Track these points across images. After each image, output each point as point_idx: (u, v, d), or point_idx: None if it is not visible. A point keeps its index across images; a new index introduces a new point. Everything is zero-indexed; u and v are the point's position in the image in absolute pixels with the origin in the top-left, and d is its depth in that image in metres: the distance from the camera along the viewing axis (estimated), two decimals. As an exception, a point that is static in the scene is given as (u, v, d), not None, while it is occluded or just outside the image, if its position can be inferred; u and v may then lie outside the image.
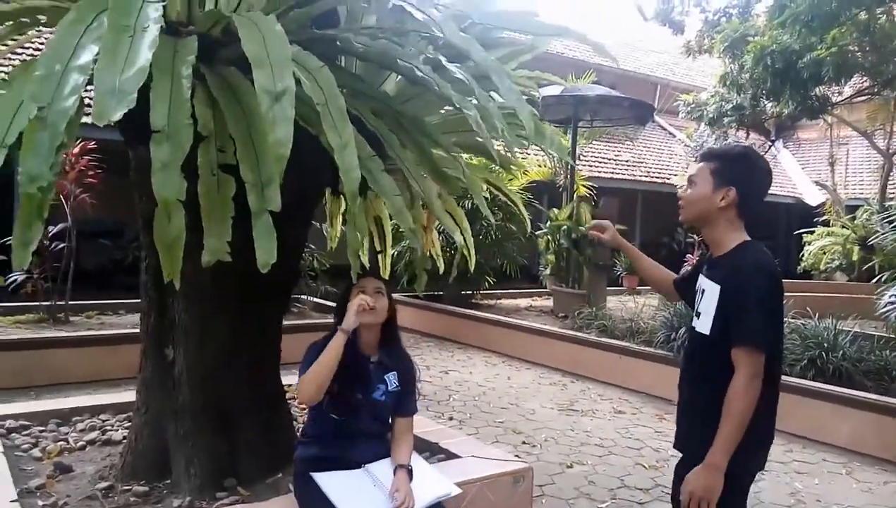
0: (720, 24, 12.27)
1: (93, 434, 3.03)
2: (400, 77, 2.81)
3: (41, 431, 3.03)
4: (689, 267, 2.32)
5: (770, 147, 14.83)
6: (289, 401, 3.17)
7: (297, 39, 2.28)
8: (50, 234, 6.25)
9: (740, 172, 1.95)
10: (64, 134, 1.52)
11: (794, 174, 18.15)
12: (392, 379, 2.39)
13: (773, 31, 10.05)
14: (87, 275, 7.41)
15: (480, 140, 3.14)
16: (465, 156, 4.67)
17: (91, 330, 5.93)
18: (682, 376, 2.08)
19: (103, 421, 3.21)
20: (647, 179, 14.80)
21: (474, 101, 2.35)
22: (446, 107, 3.02)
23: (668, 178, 14.84)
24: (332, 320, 2.42)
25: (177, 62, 1.80)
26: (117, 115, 1.40)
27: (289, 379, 3.03)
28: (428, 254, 3.68)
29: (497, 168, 5.14)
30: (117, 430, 3.10)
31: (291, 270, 2.96)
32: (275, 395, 2.96)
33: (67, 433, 3.05)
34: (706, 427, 1.84)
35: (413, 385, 2.47)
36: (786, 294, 1.98)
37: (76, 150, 6.36)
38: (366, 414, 2.33)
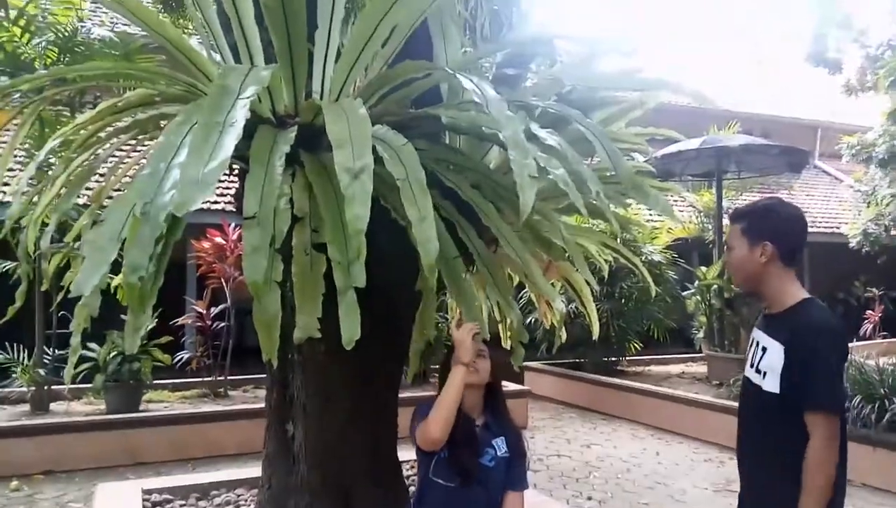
0: (883, 58, 11.26)
1: (227, 509, 3.16)
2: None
3: (182, 505, 3.21)
4: None
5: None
6: (407, 476, 3.12)
7: (398, 119, 2.36)
8: (212, 315, 6.85)
9: (770, 225, 1.96)
10: (163, 226, 1.64)
11: None
12: (500, 444, 2.27)
13: (946, 59, 9.06)
14: (247, 352, 7.96)
15: (594, 202, 3.05)
16: (592, 221, 4.55)
17: (245, 403, 6.31)
18: (746, 434, 2.07)
19: (238, 496, 3.34)
20: (813, 229, 13.53)
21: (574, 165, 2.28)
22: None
23: (838, 227, 13.50)
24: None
25: (273, 152, 1.91)
26: (195, 206, 1.48)
27: (406, 454, 2.99)
28: (549, 323, 3.56)
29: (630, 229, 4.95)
30: (249, 505, 3.21)
31: (403, 345, 2.96)
32: (392, 470, 2.93)
33: (205, 507, 3.20)
34: (781, 485, 1.85)
35: (523, 454, 2.33)
36: None
37: (235, 237, 6.98)
38: (477, 484, 2.22)
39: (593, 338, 3.71)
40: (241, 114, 1.70)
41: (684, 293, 8.84)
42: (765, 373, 1.93)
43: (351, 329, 1.74)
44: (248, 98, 1.76)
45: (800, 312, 1.91)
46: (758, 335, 2.02)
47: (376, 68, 2.54)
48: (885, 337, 11.69)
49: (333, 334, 1.85)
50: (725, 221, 9.05)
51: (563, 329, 3.50)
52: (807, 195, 15.15)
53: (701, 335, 9.04)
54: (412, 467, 3.64)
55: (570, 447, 6.05)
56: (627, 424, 7.07)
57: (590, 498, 4.59)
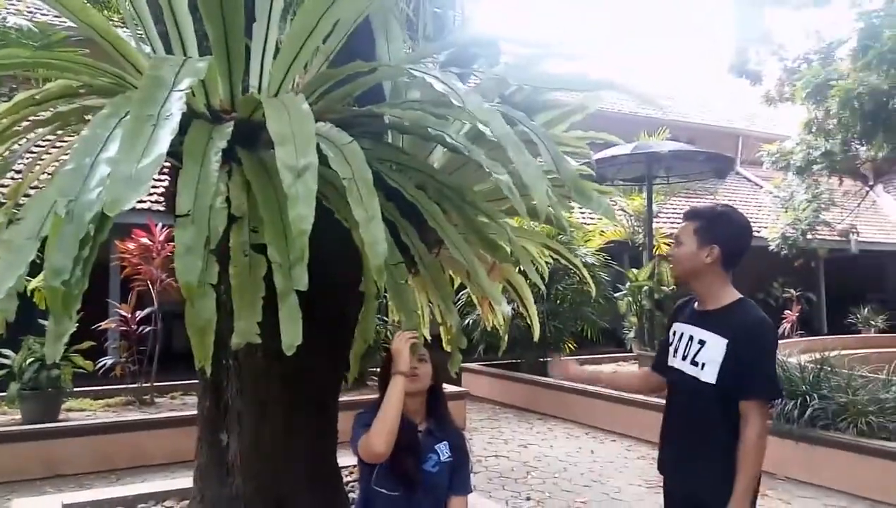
0: (800, 71, 11.85)
1: (155, 523, 3.00)
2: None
3: (106, 519, 3.03)
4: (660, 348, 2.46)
5: (868, 192, 13.97)
6: (347, 482, 3.05)
7: (341, 117, 2.29)
8: (137, 319, 6.55)
9: (722, 230, 2.10)
10: (89, 226, 1.52)
11: (899, 219, 16.91)
12: (443, 449, 2.23)
13: (858, 73, 9.60)
14: (175, 356, 7.66)
15: (534, 203, 3.06)
16: (532, 223, 4.57)
17: (173, 410, 6.06)
18: (677, 420, 2.18)
19: (167, 508, 3.18)
20: (735, 233, 14.10)
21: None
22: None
23: (758, 231, 14.13)
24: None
25: (208, 147, 1.81)
26: (129, 205, 1.39)
27: (345, 459, 2.92)
28: (490, 325, 3.55)
29: (566, 233, 5.01)
30: (179, 517, 3.06)
31: (345, 349, 2.89)
32: (332, 478, 2.85)
33: (131, 521, 3.04)
34: (721, 464, 1.98)
35: (466, 458, 2.31)
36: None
37: (162, 238, 6.70)
38: (421, 491, 2.17)
39: (533, 339, 3.73)
40: (176, 107, 1.61)
41: (616, 294, 9.04)
42: (703, 365, 2.05)
43: (292, 334, 1.67)
44: (183, 90, 1.67)
45: (738, 311, 2.07)
46: (689, 329, 2.13)
47: (317, 64, 2.47)
48: (801, 336, 12.30)
49: (271, 339, 1.78)
50: (655, 225, 9.33)
51: (505, 332, 3.50)
52: (729, 200, 15.77)
53: (632, 335, 9.28)
54: (351, 472, 3.56)
55: (507, 447, 6.09)
56: (562, 423, 7.17)
57: (528, 498, 4.62)
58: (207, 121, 2.04)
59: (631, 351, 9.90)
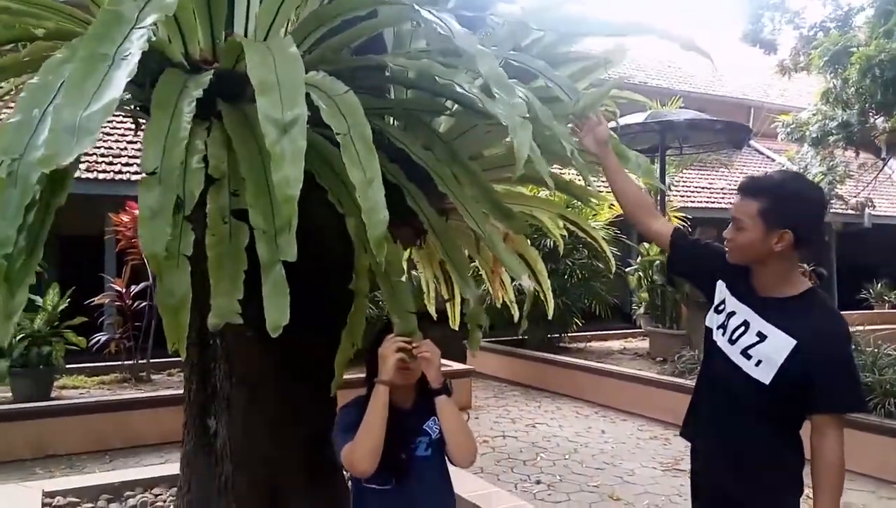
0: (817, 39, 11.43)
1: (142, 512, 2.81)
2: (455, 107, 2.51)
3: (89, 509, 2.83)
4: (699, 241, 2.13)
5: (884, 165, 13.61)
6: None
7: (336, 69, 2.03)
8: (132, 294, 6.33)
9: (794, 212, 1.72)
10: (35, 188, 1.28)
11: (914, 193, 16.54)
12: (433, 426, 2.00)
13: (878, 41, 9.22)
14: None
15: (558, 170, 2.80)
16: (543, 192, 4.30)
17: (170, 388, 5.88)
18: (716, 412, 1.89)
19: (155, 496, 2.99)
20: (747, 207, 13.85)
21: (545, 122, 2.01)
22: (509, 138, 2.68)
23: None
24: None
25: (181, 97, 1.57)
26: (70, 158, 1.15)
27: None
28: (500, 300, 3.32)
29: (576, 203, 4.76)
30: (169, 507, 2.86)
31: (342, 323, 2.66)
32: (329, 467, 2.64)
33: (116, 510, 2.84)
34: (772, 474, 1.85)
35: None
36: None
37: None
38: (415, 480, 1.95)
39: (540, 316, 3.50)
40: (136, 46, 1.35)
41: (626, 269, 8.80)
42: (758, 362, 1.75)
43: (277, 312, 1.44)
44: (146, 27, 1.41)
45: (810, 306, 1.75)
46: (746, 313, 1.80)
47: (309, 9, 2.20)
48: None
49: (261, 316, 1.54)
50: (668, 197, 9.05)
51: (515, 307, 3.28)
52: (741, 173, 15.45)
53: (641, 310, 9.04)
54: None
55: (515, 427, 5.89)
56: (571, 402, 6.97)
57: (538, 482, 4.42)
58: (184, 70, 1.79)
59: (639, 327, 9.68)
